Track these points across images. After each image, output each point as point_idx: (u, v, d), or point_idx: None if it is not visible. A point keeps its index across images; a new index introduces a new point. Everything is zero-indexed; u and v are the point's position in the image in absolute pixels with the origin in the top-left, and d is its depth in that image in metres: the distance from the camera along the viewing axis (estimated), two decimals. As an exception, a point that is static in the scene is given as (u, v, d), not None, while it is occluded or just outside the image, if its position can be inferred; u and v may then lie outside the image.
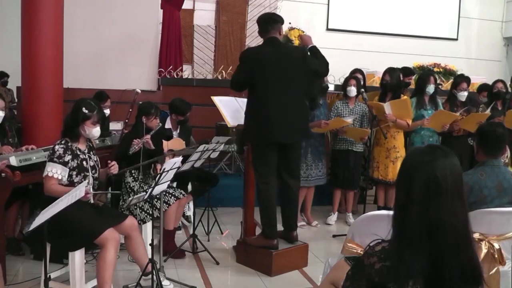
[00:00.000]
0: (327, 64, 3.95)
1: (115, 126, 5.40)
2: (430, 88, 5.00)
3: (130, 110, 4.79)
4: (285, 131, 3.78)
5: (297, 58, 3.81)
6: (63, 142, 3.15)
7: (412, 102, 5.03)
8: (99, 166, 3.36)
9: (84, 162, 3.19)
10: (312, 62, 3.86)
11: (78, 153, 3.18)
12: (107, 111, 4.88)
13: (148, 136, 3.97)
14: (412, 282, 1.39)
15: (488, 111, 5.01)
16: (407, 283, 1.39)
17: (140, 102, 4.36)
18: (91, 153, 3.31)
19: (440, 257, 1.40)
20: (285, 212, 3.99)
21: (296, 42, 7.73)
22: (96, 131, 3.21)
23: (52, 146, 3.21)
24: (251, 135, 3.92)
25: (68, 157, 3.10)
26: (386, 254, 1.42)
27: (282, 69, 3.74)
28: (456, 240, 1.41)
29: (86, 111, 3.14)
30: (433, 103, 5.06)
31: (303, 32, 7.89)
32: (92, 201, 3.29)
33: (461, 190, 1.46)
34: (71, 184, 3.09)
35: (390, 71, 5.08)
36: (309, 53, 3.92)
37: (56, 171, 3.05)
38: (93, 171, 3.26)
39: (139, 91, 4.97)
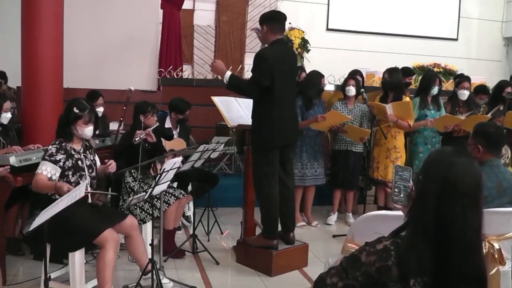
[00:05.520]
0: None
1: (116, 126, 5.38)
2: (435, 90, 5.02)
3: (124, 108, 4.79)
4: (289, 133, 3.85)
5: (296, 63, 3.92)
6: (57, 142, 3.17)
7: (416, 102, 5.05)
8: (97, 165, 3.37)
9: (79, 162, 3.20)
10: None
11: (73, 153, 3.18)
12: (100, 109, 4.88)
13: (150, 129, 3.97)
14: (412, 282, 1.38)
15: (490, 114, 5.01)
16: (407, 282, 1.39)
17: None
18: (87, 152, 3.31)
19: (448, 257, 1.39)
20: (283, 213, 3.95)
21: (296, 42, 7.74)
22: (88, 130, 3.21)
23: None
24: (266, 139, 3.76)
25: (60, 156, 3.11)
26: (387, 254, 1.42)
27: (288, 72, 3.79)
28: (465, 246, 1.40)
29: (77, 111, 3.15)
30: (435, 103, 5.07)
31: (304, 32, 7.89)
32: (90, 201, 3.29)
33: (479, 198, 1.43)
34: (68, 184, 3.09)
35: (390, 71, 5.09)
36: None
37: (45, 169, 3.07)
38: (90, 170, 3.26)
39: (133, 89, 4.98)
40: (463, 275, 1.40)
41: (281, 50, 3.79)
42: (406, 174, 1.82)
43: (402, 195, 1.80)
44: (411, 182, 1.78)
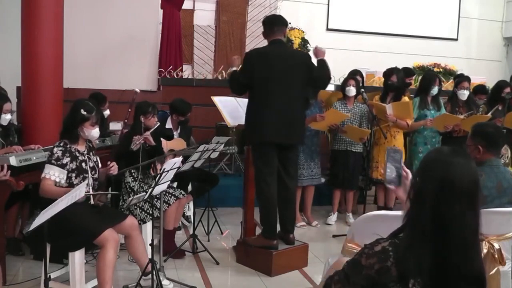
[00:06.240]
0: (329, 77, 4.06)
1: (115, 126, 5.38)
2: (435, 90, 5.02)
3: (129, 110, 4.79)
4: (284, 133, 3.81)
5: (300, 63, 3.87)
6: (61, 144, 3.14)
7: (415, 102, 5.05)
8: (99, 166, 3.36)
9: (83, 164, 3.19)
10: (316, 70, 3.95)
11: (77, 154, 3.17)
12: (107, 112, 4.90)
13: (148, 133, 3.97)
14: (412, 282, 1.38)
15: (490, 113, 5.01)
16: (407, 283, 1.39)
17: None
18: (91, 153, 3.30)
19: (446, 257, 1.40)
20: (283, 214, 3.96)
21: (296, 42, 7.74)
22: (95, 132, 3.21)
23: (51, 147, 3.22)
24: (252, 135, 3.91)
25: (66, 160, 3.10)
26: (386, 255, 1.42)
27: (285, 71, 3.78)
28: (464, 246, 1.40)
29: (85, 113, 3.13)
30: (435, 103, 5.07)
31: (304, 32, 7.90)
32: (92, 202, 3.29)
33: (476, 198, 1.44)
34: (71, 186, 3.08)
35: (396, 72, 5.09)
36: (316, 64, 4.00)
37: (53, 173, 3.06)
38: (93, 172, 3.25)
39: (138, 91, 4.98)
40: (462, 274, 1.40)
41: (276, 50, 3.84)
42: (398, 155, 1.85)
43: (394, 176, 1.82)
44: (402, 164, 1.81)
